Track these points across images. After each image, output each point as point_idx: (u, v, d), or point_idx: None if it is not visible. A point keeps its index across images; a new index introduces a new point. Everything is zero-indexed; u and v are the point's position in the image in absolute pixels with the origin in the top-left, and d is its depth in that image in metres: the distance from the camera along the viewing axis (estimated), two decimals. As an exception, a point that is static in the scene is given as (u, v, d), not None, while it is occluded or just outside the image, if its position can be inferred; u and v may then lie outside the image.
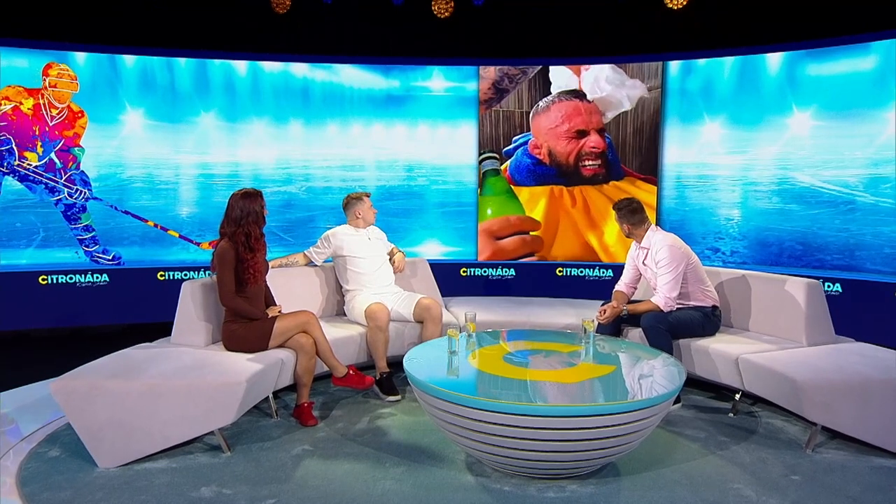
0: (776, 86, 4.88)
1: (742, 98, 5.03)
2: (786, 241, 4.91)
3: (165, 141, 5.14)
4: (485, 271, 5.59)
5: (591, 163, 5.43)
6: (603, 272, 5.50)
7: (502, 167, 5.57)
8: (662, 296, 3.44)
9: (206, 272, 5.16)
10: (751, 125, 5.01)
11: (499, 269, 5.60)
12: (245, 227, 3.11)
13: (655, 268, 3.51)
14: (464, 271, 5.54)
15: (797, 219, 4.86)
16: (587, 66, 5.38)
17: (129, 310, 5.09)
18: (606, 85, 5.36)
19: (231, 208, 3.14)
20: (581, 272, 5.55)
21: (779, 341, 3.38)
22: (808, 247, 4.83)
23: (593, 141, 5.39)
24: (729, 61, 5.06)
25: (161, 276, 5.14)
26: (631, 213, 3.59)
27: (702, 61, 5.16)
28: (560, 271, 5.56)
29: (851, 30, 4.57)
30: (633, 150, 5.41)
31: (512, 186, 5.58)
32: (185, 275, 5.14)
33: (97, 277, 5.00)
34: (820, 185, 4.77)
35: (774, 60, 4.88)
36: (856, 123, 4.57)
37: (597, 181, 5.46)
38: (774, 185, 4.95)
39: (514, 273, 5.61)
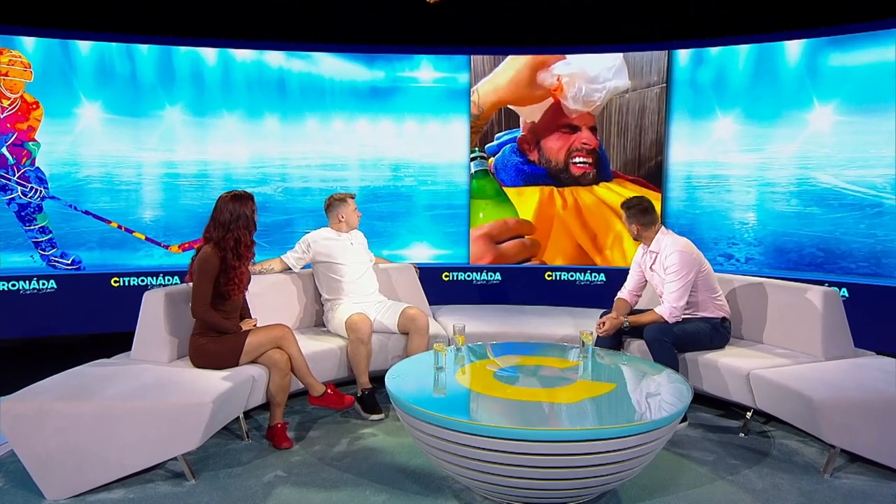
0: (795, 77, 4.94)
1: (758, 91, 5.08)
2: (806, 246, 4.98)
3: (126, 137, 5.15)
4: (469, 276, 5.66)
5: (581, 160, 5.52)
6: (595, 276, 5.58)
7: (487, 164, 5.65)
8: (668, 306, 3.48)
9: (168, 278, 5.18)
10: (767, 121, 5.07)
11: (484, 274, 5.67)
12: (234, 233, 3.14)
13: (664, 274, 3.55)
14: (446, 276, 5.60)
15: (818, 223, 4.92)
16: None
17: (79, 319, 5.08)
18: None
19: (219, 211, 3.18)
20: (571, 276, 5.63)
21: (793, 355, 3.44)
22: (830, 253, 4.88)
23: (585, 136, 5.49)
24: (744, 50, 5.12)
25: (115, 282, 5.15)
26: (641, 213, 3.63)
27: (714, 50, 5.23)
28: (549, 275, 5.63)
29: (878, 14, 4.57)
30: (617, 150, 5.52)
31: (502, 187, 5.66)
32: (142, 281, 5.16)
33: (44, 284, 5.00)
34: (843, 187, 4.82)
35: (794, 49, 4.93)
36: (883, 119, 4.61)
37: (586, 181, 5.55)
38: (793, 186, 5.01)
39: (500, 277, 5.68)
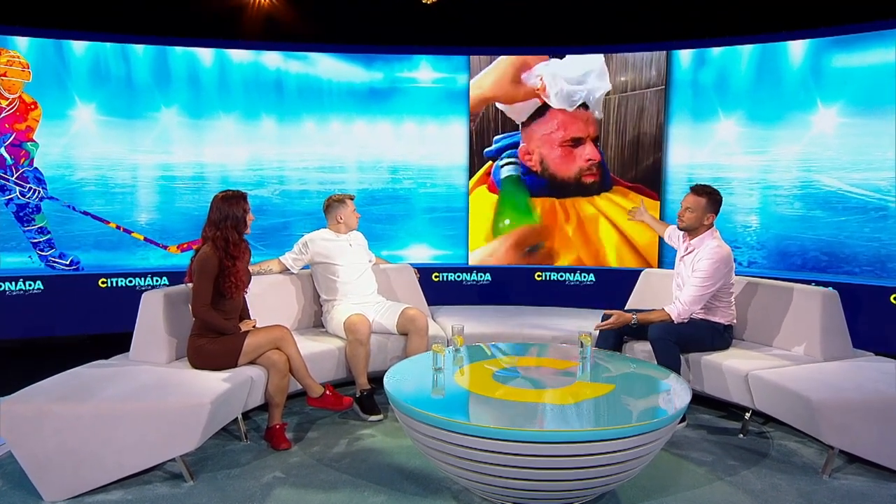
0: (799, 78, 5.02)
1: (760, 92, 5.18)
2: (809, 250, 5.07)
3: (121, 139, 5.25)
4: (459, 276, 5.78)
5: (589, 176, 5.66)
6: (584, 276, 5.71)
7: (482, 171, 5.75)
8: (680, 307, 3.56)
9: (157, 278, 5.29)
10: (770, 122, 5.16)
11: (474, 274, 5.79)
12: (224, 232, 3.25)
13: (691, 273, 3.62)
14: (436, 276, 5.71)
15: (822, 226, 5.00)
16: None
17: (67, 321, 5.16)
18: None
19: (211, 211, 3.31)
20: (561, 276, 5.75)
21: (792, 356, 3.55)
22: (833, 257, 4.97)
23: (588, 152, 5.62)
24: (746, 50, 5.22)
25: (103, 283, 5.23)
26: (717, 203, 3.66)
27: (716, 51, 5.32)
28: (539, 276, 5.75)
29: (883, 14, 4.66)
30: (615, 150, 5.64)
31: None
32: (130, 282, 5.26)
33: (30, 285, 5.07)
34: (847, 190, 4.90)
35: (797, 50, 5.01)
36: (888, 121, 4.69)
37: (591, 192, 5.68)
38: (797, 189, 5.10)
39: (490, 278, 5.80)
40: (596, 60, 5.57)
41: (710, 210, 3.65)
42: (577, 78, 5.58)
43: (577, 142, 5.64)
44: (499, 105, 5.70)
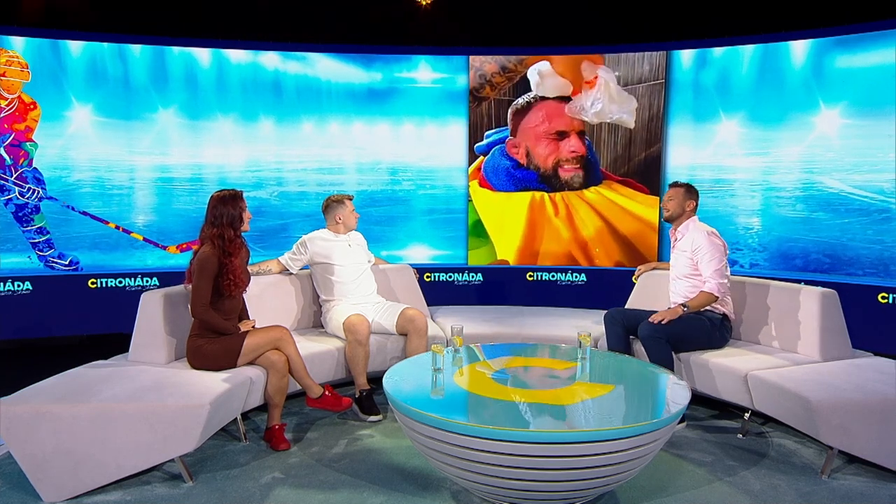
0: (801, 79, 5.09)
1: (762, 93, 5.25)
2: (811, 252, 5.13)
3: (118, 140, 5.31)
4: (451, 276, 5.85)
5: (569, 167, 5.74)
6: (576, 276, 5.79)
7: (474, 166, 5.81)
8: (714, 283, 3.68)
9: (147, 279, 5.35)
10: (772, 123, 5.23)
11: (466, 274, 5.86)
12: (220, 230, 3.33)
13: (692, 255, 3.79)
14: (428, 276, 5.77)
15: (824, 228, 5.07)
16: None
17: (57, 321, 5.21)
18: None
19: (208, 211, 3.39)
20: (553, 276, 5.83)
21: (791, 356, 3.61)
22: (836, 260, 5.03)
23: (573, 144, 5.69)
24: (748, 51, 5.28)
25: (93, 283, 5.28)
26: (694, 192, 3.94)
27: (717, 51, 5.39)
28: (531, 276, 5.84)
29: (886, 14, 4.73)
30: (608, 146, 5.72)
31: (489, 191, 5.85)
32: (120, 282, 5.31)
33: (18, 286, 5.12)
34: (850, 191, 4.97)
35: (799, 49, 5.08)
36: (890, 122, 4.76)
37: (576, 184, 5.75)
38: (799, 191, 5.17)
39: (481, 278, 5.87)
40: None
41: (689, 197, 3.93)
42: (617, 106, 5.66)
43: (561, 135, 5.72)
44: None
